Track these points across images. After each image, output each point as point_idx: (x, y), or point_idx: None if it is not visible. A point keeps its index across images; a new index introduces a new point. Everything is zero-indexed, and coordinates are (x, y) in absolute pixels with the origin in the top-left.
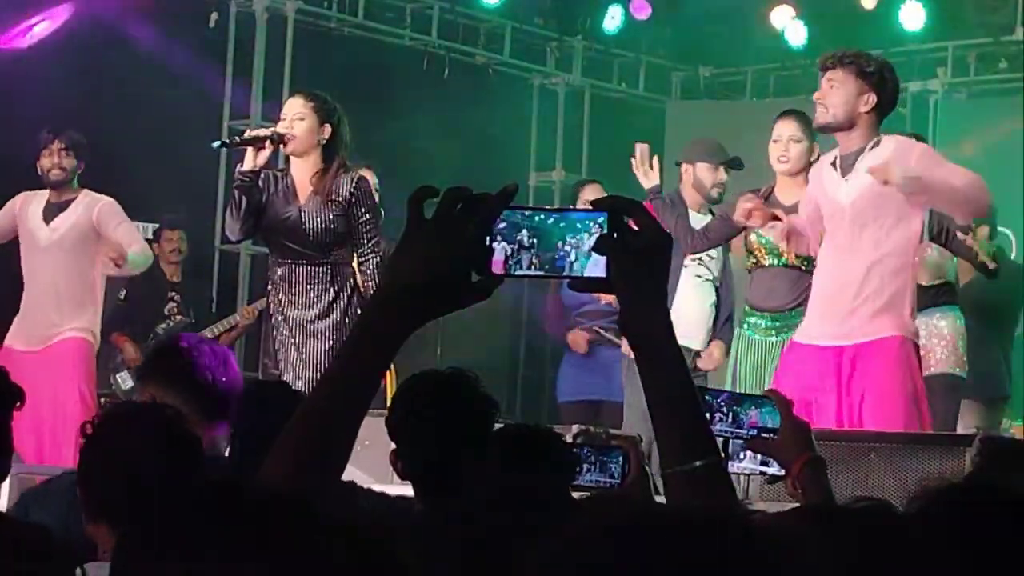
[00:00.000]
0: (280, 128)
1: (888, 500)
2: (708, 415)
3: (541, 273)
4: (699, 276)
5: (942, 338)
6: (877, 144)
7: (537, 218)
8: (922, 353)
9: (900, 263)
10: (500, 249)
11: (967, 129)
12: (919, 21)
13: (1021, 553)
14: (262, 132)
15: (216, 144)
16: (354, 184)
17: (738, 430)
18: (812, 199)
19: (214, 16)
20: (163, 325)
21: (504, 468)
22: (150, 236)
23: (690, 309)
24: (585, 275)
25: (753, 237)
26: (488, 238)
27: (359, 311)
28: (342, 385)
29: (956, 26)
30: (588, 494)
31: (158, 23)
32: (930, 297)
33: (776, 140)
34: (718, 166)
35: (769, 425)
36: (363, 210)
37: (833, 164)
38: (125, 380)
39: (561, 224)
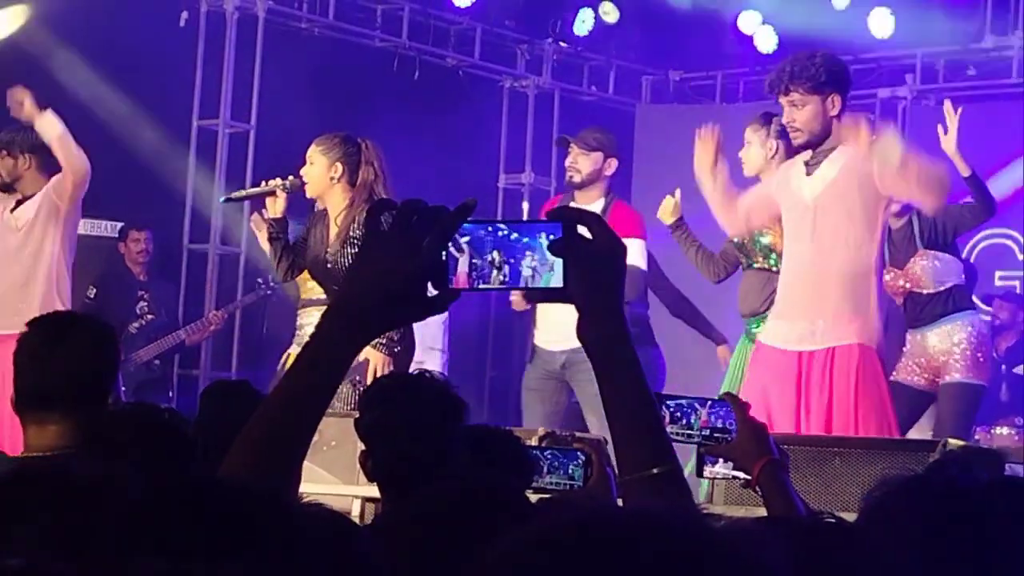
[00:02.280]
0: (290, 178)
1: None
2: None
3: (501, 286)
4: None
5: (957, 346)
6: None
7: (498, 230)
8: (940, 361)
9: (864, 266)
10: (462, 262)
11: (935, 136)
12: (888, 28)
13: (978, 541)
14: (271, 184)
15: (222, 200)
16: (364, 217)
17: (689, 431)
18: (766, 192)
19: (184, 15)
20: (135, 324)
21: (464, 469)
22: (115, 235)
23: None
24: (542, 286)
25: (747, 240)
26: (446, 251)
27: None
28: (297, 393)
29: (925, 33)
30: (547, 496)
31: (127, 21)
32: (940, 305)
33: (749, 143)
34: None
35: (720, 426)
36: None
37: (804, 162)
38: None
39: (518, 236)
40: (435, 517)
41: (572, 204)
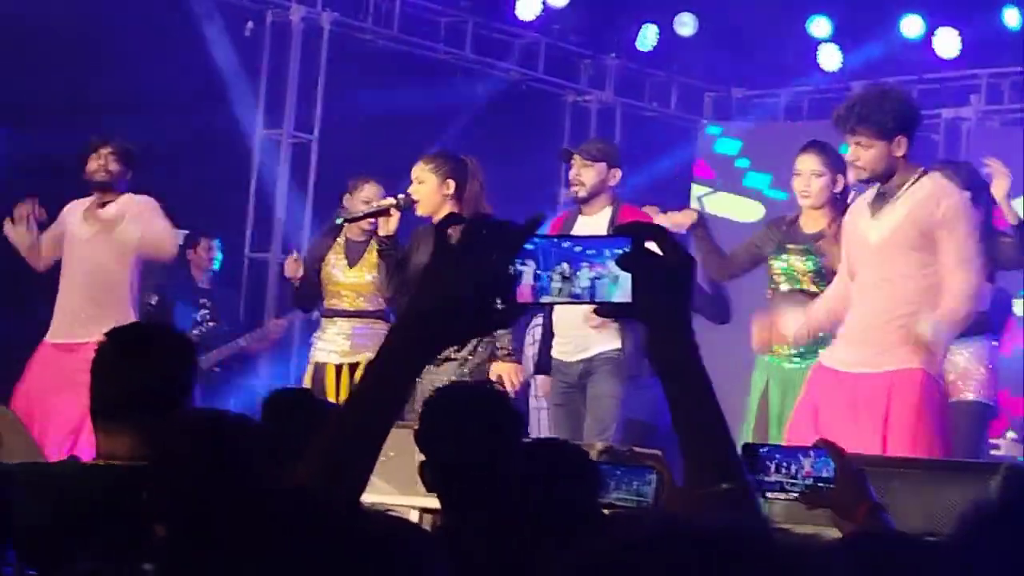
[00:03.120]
0: (400, 196)
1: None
2: (764, 467)
3: (567, 300)
4: None
5: (973, 367)
6: (915, 183)
7: (563, 245)
8: (951, 380)
9: (927, 296)
10: (527, 276)
11: (1000, 157)
12: (954, 48)
13: None
14: (385, 202)
15: (339, 221)
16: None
17: (793, 481)
18: (844, 286)
19: (249, 25)
20: (195, 331)
21: (529, 482)
22: (181, 242)
23: None
24: (610, 300)
25: (774, 263)
26: (513, 266)
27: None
28: (366, 406)
29: (990, 53)
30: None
31: (193, 30)
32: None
33: (798, 174)
34: None
35: (824, 475)
36: None
37: (870, 203)
38: None
39: (588, 251)
40: (508, 529)
41: (643, 220)
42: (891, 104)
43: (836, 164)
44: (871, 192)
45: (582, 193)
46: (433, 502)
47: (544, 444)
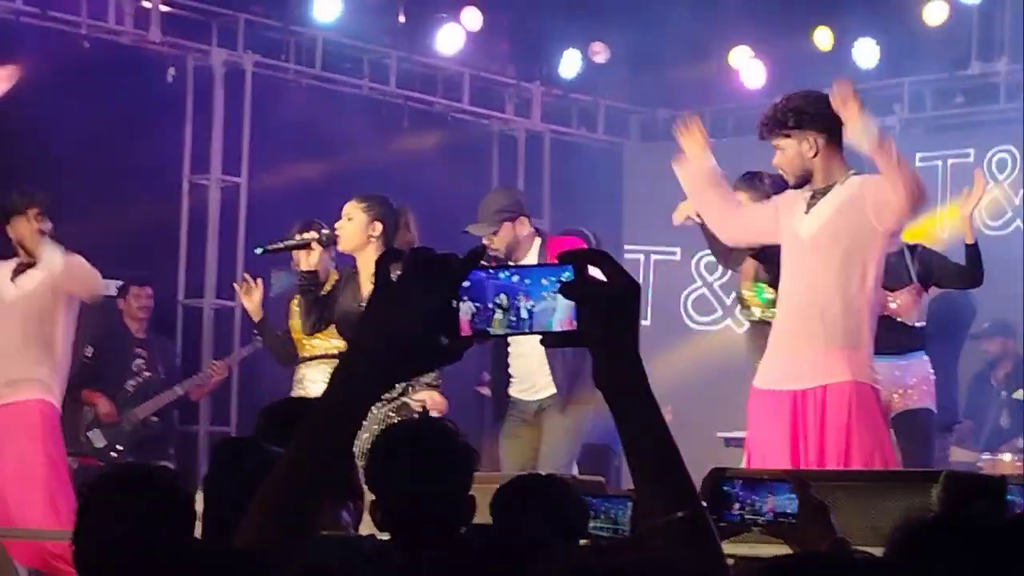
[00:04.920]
0: (324, 231)
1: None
2: (727, 503)
3: (510, 331)
4: None
5: (918, 379)
6: (844, 182)
7: (502, 275)
8: (894, 392)
9: (858, 303)
10: (466, 309)
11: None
12: (873, 58)
13: None
14: (307, 235)
15: (258, 251)
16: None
17: (755, 516)
18: (773, 209)
19: (171, 71)
20: (132, 382)
21: (505, 519)
22: (114, 293)
23: None
24: (555, 330)
25: (747, 292)
26: (456, 300)
27: None
28: (313, 450)
29: (912, 62)
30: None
31: (115, 79)
32: (912, 339)
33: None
34: None
35: (788, 510)
36: None
37: (805, 200)
38: (98, 438)
39: (527, 281)
40: (471, 567)
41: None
42: (796, 104)
43: (769, 191)
44: (807, 191)
45: (502, 256)
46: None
47: (521, 479)
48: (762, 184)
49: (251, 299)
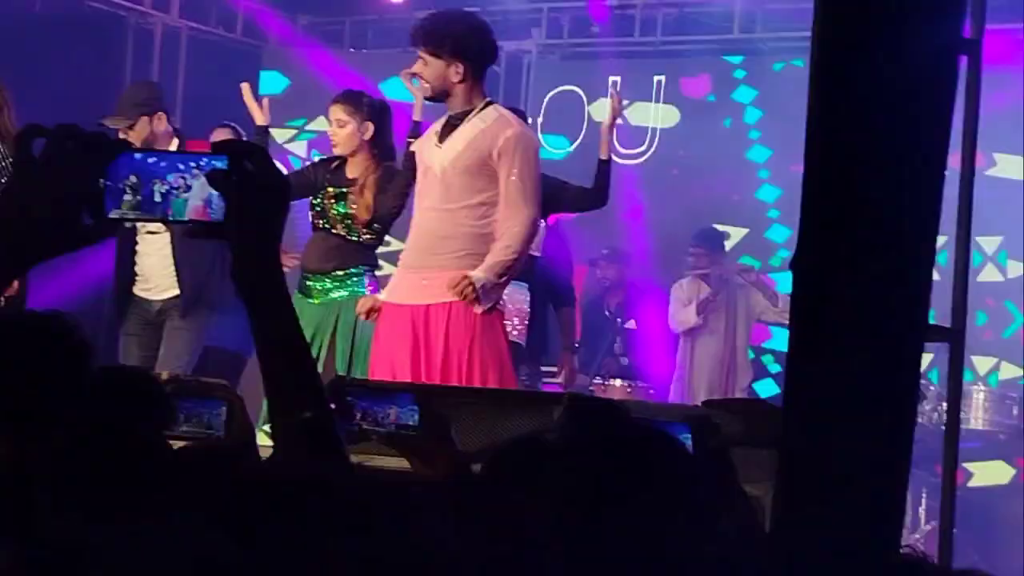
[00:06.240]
0: None
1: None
2: (349, 412)
3: (141, 214)
4: None
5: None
6: (480, 111)
7: (149, 160)
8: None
9: (487, 228)
10: (108, 191)
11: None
12: None
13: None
14: None
15: None
16: (14, 142)
17: (377, 428)
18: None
19: None
20: None
21: (96, 410)
22: None
23: None
24: (187, 217)
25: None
26: (101, 179)
27: None
28: None
29: None
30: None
31: None
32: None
33: (329, 123)
34: None
35: (409, 423)
36: None
37: (437, 130)
38: None
39: (163, 164)
40: (70, 460)
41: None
42: (457, 27)
43: (368, 112)
44: (440, 121)
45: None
46: None
47: (108, 371)
48: (360, 104)
49: None
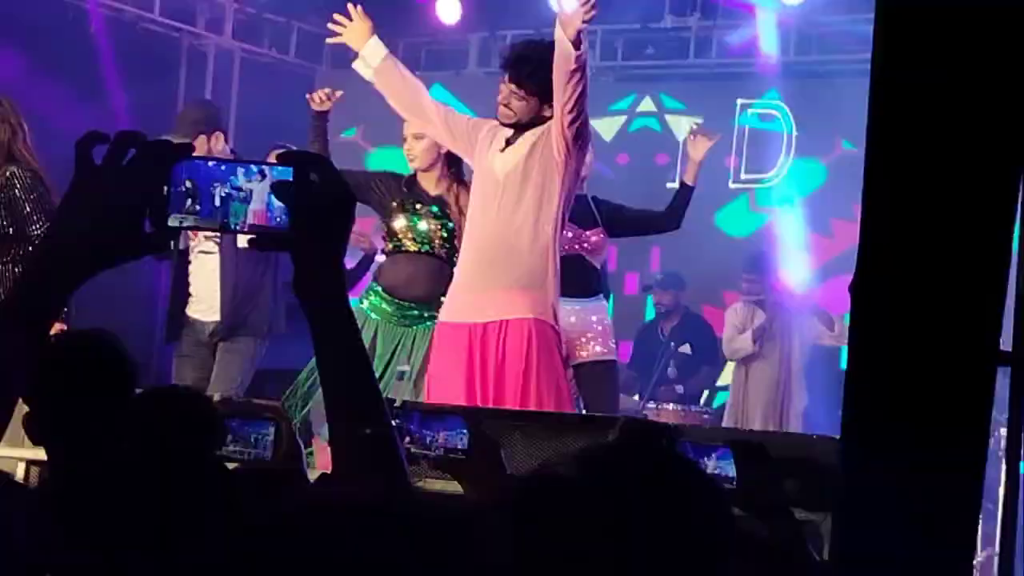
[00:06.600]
0: None
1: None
2: (399, 435)
3: (197, 220)
4: None
5: (596, 324)
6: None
7: (210, 164)
8: (574, 336)
9: (543, 241)
10: (176, 199)
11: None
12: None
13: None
14: None
15: None
16: (75, 150)
17: (427, 452)
18: (475, 126)
19: None
20: None
21: (145, 431)
22: None
23: None
24: (249, 222)
25: (401, 222)
26: (165, 187)
27: None
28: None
29: (605, 10)
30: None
31: None
32: (594, 282)
33: (403, 139)
34: None
35: (459, 446)
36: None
37: (505, 138)
38: None
39: (237, 170)
40: (119, 480)
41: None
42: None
43: None
44: (506, 129)
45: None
46: (41, 454)
47: (160, 391)
48: None
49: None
